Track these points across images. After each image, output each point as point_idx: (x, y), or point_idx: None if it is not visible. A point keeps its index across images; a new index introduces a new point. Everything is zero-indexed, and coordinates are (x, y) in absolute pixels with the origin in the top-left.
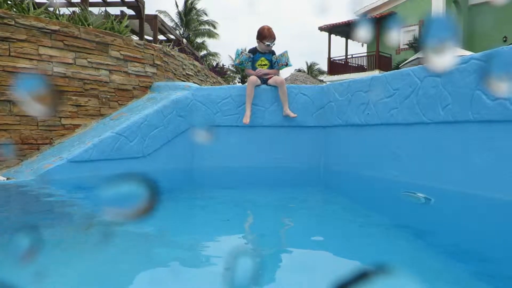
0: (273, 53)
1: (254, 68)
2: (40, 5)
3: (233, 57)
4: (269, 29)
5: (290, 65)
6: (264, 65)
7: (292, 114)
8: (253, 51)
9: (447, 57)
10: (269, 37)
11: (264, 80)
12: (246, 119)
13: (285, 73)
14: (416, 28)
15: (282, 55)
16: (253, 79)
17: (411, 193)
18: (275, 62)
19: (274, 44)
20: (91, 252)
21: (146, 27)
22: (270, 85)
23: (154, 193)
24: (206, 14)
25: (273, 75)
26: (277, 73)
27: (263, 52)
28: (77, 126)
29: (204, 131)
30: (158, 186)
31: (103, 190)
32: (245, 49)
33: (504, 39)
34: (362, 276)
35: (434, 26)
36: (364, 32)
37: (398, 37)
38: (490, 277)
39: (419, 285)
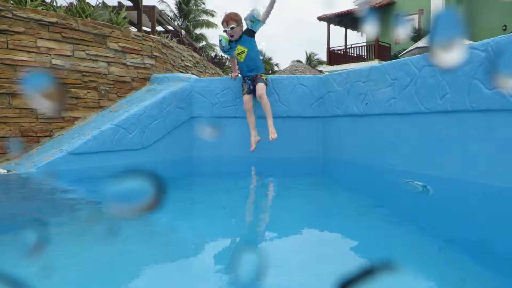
0: (249, 34)
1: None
2: None
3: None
4: (226, 14)
5: (257, 19)
6: (242, 52)
7: (272, 135)
8: (230, 40)
9: (454, 53)
10: (223, 22)
11: (249, 84)
12: (252, 146)
13: (284, 63)
14: (416, 17)
15: (250, 17)
16: (245, 106)
17: (409, 182)
18: (249, 26)
19: (233, 27)
20: (93, 244)
21: (144, 18)
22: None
23: (160, 188)
24: (203, 3)
25: (257, 75)
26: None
27: (235, 40)
28: (77, 118)
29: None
30: (164, 182)
31: (109, 185)
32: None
33: (504, 27)
34: (365, 273)
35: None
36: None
37: (397, 26)
38: (490, 263)
39: (418, 273)
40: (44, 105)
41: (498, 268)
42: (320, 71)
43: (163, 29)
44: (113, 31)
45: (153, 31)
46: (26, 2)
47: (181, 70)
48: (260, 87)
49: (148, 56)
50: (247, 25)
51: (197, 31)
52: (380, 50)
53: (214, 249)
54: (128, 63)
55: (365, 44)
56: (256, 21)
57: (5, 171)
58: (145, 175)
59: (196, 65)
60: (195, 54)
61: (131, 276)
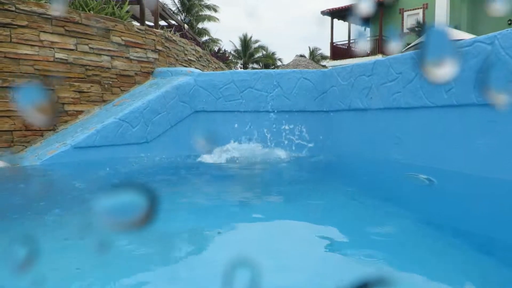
0: None
1: None
2: None
3: (235, 42)
4: None
5: None
6: None
7: None
8: None
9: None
10: None
11: None
12: None
13: (287, 58)
14: (420, 11)
15: None
16: None
17: (414, 175)
18: None
19: None
20: (90, 244)
21: (147, 12)
22: None
23: (152, 204)
24: None
25: None
26: None
27: None
28: (80, 112)
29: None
30: (157, 196)
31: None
32: None
33: (509, 22)
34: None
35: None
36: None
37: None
38: (495, 255)
39: (423, 265)
40: (35, 119)
41: (503, 259)
42: (323, 66)
43: (166, 24)
44: (116, 25)
45: (156, 25)
46: None
47: (184, 64)
48: None
49: (151, 50)
50: None
51: (200, 25)
52: (384, 44)
53: (212, 249)
54: (132, 57)
55: (368, 38)
56: None
57: (9, 164)
58: (138, 188)
59: (199, 59)
60: (198, 48)
61: (130, 275)
